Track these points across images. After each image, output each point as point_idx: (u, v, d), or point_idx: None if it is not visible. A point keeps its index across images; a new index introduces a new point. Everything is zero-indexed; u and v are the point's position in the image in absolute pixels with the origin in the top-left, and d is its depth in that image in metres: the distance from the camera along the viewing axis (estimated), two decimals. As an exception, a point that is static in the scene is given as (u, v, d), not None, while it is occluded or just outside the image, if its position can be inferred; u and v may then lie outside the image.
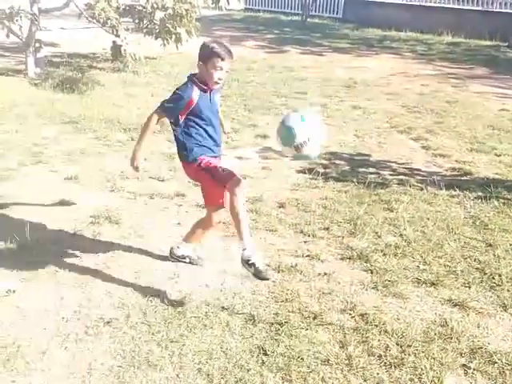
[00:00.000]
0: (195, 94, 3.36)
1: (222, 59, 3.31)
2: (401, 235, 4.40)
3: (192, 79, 3.42)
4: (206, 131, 3.45)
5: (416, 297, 3.61)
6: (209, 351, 3.01)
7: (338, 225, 4.55)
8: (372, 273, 3.86)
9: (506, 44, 15.06)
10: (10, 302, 3.37)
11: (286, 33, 16.88)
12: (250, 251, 3.18)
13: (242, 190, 3.30)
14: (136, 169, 3.51)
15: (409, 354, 3.03)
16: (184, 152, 3.49)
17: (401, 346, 3.09)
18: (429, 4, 17.95)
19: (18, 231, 4.11)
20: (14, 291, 3.46)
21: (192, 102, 3.35)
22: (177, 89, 3.43)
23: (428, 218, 4.71)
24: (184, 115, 3.38)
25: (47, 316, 3.26)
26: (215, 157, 3.54)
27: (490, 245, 4.30)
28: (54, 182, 5.17)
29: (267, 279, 3.30)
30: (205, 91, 3.40)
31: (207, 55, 3.34)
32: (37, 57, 9.28)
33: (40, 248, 3.91)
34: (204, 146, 3.47)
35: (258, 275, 3.18)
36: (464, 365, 2.98)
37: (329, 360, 2.97)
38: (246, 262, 3.18)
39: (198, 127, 3.42)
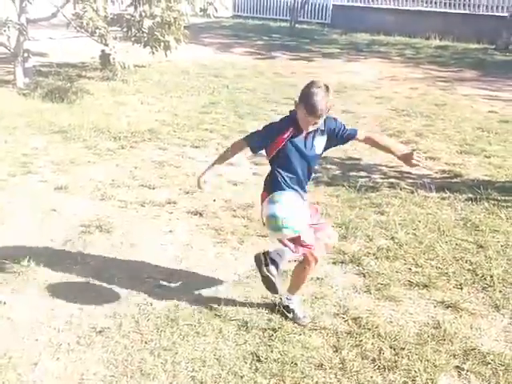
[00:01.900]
0: (288, 133, 3.08)
1: (310, 114, 2.99)
2: (392, 238, 4.41)
3: (292, 116, 3.12)
4: (288, 178, 3.19)
5: (408, 299, 3.61)
6: (202, 359, 2.99)
7: (329, 229, 4.55)
8: (364, 276, 3.87)
9: (493, 47, 15.18)
10: (1, 313, 3.34)
11: (274, 39, 16.92)
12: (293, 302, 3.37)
13: (313, 263, 3.25)
14: (200, 184, 3.33)
15: (402, 357, 3.03)
16: (266, 186, 3.29)
17: (394, 349, 3.09)
18: (416, 8, 18.09)
19: (8, 242, 4.08)
20: (4, 303, 3.43)
21: (282, 140, 3.08)
22: (272, 122, 3.24)
23: (419, 221, 4.72)
24: (273, 152, 3.14)
25: (39, 327, 3.23)
26: None
27: (481, 246, 4.32)
28: (44, 192, 5.15)
29: (303, 325, 3.31)
30: (301, 133, 3.11)
31: (301, 101, 3.01)
32: (25, 67, 9.25)
33: (31, 258, 3.87)
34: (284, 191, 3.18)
35: (297, 321, 3.32)
36: (457, 366, 2.99)
37: (322, 364, 2.97)
38: (286, 308, 3.36)
39: (282, 171, 3.17)
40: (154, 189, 5.30)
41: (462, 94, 10.05)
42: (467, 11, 17.31)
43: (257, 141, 3.20)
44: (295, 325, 3.29)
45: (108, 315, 3.35)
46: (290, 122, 3.13)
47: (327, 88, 3.03)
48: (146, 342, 3.11)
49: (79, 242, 4.22)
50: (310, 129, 3.10)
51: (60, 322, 3.28)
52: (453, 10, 17.56)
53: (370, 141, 3.46)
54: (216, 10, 10.38)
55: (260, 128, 3.25)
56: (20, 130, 6.91)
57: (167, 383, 2.82)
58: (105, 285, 3.68)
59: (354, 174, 5.91)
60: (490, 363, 3.00)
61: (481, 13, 17.19)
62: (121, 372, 2.88)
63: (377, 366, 2.97)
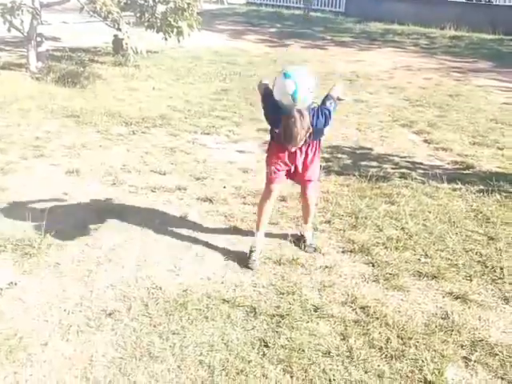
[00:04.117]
0: None
1: None
2: (402, 228, 4.40)
3: None
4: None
5: (417, 289, 3.61)
6: (210, 343, 3.01)
7: (339, 218, 4.55)
8: (373, 266, 3.86)
9: (510, 37, 15.00)
10: (13, 294, 3.38)
11: (288, 27, 16.83)
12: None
13: (266, 193, 3.91)
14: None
15: (410, 346, 3.03)
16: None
17: (402, 339, 3.09)
18: (431, -3, 17.88)
19: (20, 224, 4.12)
20: (16, 284, 3.47)
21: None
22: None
23: (430, 212, 4.70)
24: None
25: (49, 308, 3.27)
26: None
27: (492, 238, 4.30)
28: (56, 176, 5.18)
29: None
30: None
31: None
32: (38, 51, 9.26)
33: (42, 241, 3.91)
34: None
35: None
36: (465, 357, 2.98)
37: (330, 352, 2.98)
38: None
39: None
40: (164, 174, 5.32)
41: (477, 84, 9.96)
42: (483, 1, 17.09)
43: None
44: (303, 312, 3.30)
45: (118, 298, 3.38)
46: None
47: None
48: (154, 326, 3.13)
49: (90, 226, 4.24)
50: None
51: (70, 303, 3.31)
52: (469, 0, 17.34)
53: None
54: (229, -4, 10.33)
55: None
56: (32, 114, 6.94)
57: (175, 366, 2.84)
58: (115, 268, 3.70)
59: (365, 163, 5.89)
60: (497, 355, 3.00)
61: (497, 3, 16.96)
62: (129, 354, 2.91)
63: (384, 355, 2.97)
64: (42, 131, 6.35)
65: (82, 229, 4.20)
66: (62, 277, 3.58)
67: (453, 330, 3.18)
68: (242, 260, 3.83)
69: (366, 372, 2.85)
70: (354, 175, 5.44)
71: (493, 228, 4.45)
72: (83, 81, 8.56)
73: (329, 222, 4.48)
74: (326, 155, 6.03)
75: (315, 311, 3.31)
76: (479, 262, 3.96)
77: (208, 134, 6.65)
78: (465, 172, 5.76)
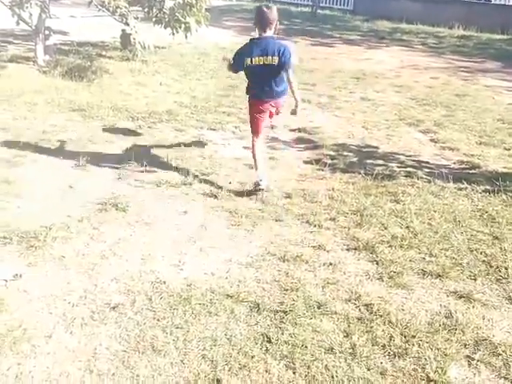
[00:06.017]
0: None
1: None
2: (407, 227, 4.39)
3: None
4: None
5: (421, 288, 3.60)
6: (213, 338, 3.02)
7: (344, 216, 4.54)
8: (377, 264, 3.86)
9: (518, 38, 14.92)
10: (17, 286, 3.40)
11: (295, 24, 16.78)
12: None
13: (256, 140, 5.02)
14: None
15: (413, 345, 3.03)
16: None
17: (405, 337, 3.09)
18: (440, -4, 17.80)
19: (26, 216, 4.14)
20: (21, 276, 3.48)
21: None
22: None
23: (435, 211, 4.69)
24: None
25: (53, 300, 3.28)
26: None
27: (497, 238, 4.28)
28: (62, 169, 5.19)
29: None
30: None
31: None
32: (46, 44, 9.27)
33: (47, 233, 3.93)
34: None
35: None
36: (468, 356, 2.98)
37: (333, 349, 2.98)
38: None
39: None
40: (170, 169, 5.32)
41: (484, 84, 9.92)
42: (492, 1, 17.00)
43: None
44: (306, 308, 3.30)
45: (122, 292, 3.39)
46: None
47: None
48: (158, 320, 3.14)
49: (95, 219, 4.26)
50: None
51: (74, 296, 3.33)
52: (478, 0, 17.26)
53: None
54: (237, -7, 10.31)
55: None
56: (39, 107, 6.96)
57: (178, 360, 2.85)
58: (119, 262, 3.72)
59: (371, 161, 5.87)
60: (501, 354, 2.99)
61: (506, 3, 16.87)
62: (133, 348, 2.92)
63: (387, 353, 2.97)
64: (49, 125, 6.37)
65: (88, 222, 4.21)
66: (66, 270, 3.60)
67: (456, 329, 3.17)
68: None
69: (368, 369, 2.85)
70: (360, 173, 5.43)
71: (498, 228, 4.44)
72: (90, 75, 8.57)
73: (333, 219, 4.47)
74: (332, 152, 6.03)
75: (319, 308, 3.31)
76: (484, 261, 3.95)
77: (214, 129, 6.65)
78: (471, 172, 5.74)
